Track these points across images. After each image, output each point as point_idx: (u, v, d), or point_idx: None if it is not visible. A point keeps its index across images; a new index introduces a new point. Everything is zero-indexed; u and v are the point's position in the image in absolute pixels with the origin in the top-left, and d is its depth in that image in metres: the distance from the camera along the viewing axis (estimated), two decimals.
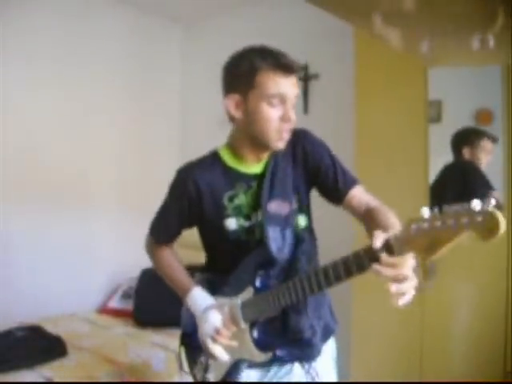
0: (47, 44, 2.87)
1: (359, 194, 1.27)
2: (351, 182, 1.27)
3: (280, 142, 1.20)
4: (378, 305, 2.35)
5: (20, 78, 2.75)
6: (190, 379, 1.38)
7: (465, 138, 2.52)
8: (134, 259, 3.22)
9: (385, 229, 0.98)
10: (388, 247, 0.91)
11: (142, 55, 3.41)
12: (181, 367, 1.38)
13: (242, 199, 1.24)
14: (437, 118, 2.59)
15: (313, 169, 1.26)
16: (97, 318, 2.90)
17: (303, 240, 1.26)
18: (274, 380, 1.28)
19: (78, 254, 3.00)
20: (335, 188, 1.25)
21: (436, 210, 0.85)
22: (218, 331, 1.19)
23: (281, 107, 1.16)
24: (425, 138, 2.49)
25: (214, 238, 1.30)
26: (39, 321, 2.50)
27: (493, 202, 0.79)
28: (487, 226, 0.78)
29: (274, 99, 1.15)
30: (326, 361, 1.30)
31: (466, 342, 2.34)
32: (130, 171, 3.32)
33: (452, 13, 1.96)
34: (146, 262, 3.12)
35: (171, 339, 2.28)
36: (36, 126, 2.83)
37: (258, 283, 1.19)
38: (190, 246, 1.84)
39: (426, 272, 2.44)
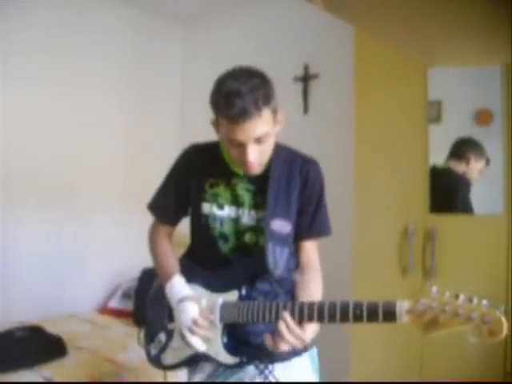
0: (47, 43, 2.87)
1: (309, 250, 1.32)
2: (314, 233, 1.31)
3: (247, 171, 1.23)
4: None
5: (19, 77, 2.75)
6: (184, 379, 1.39)
7: (462, 152, 2.52)
8: (134, 259, 3.22)
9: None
10: (391, 314, 0.97)
11: (142, 54, 3.41)
12: (138, 340, 1.44)
13: (221, 190, 1.30)
14: (437, 118, 2.58)
15: (301, 200, 1.29)
16: (97, 317, 2.89)
17: (293, 260, 1.31)
18: (224, 376, 1.29)
19: (78, 254, 3.00)
20: (298, 229, 1.29)
21: (448, 293, 0.92)
22: (195, 322, 1.21)
23: (238, 149, 1.18)
24: (425, 138, 2.48)
25: (193, 220, 1.36)
26: (39, 321, 2.50)
27: (502, 308, 0.87)
28: (491, 328, 0.86)
29: (231, 141, 1.18)
30: (292, 370, 1.28)
31: (465, 341, 2.34)
32: (131, 171, 3.32)
33: (452, 13, 1.96)
34: (145, 262, 3.14)
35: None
36: (35, 124, 2.82)
37: (244, 291, 1.22)
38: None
39: (426, 272, 2.44)
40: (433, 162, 2.54)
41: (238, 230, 1.28)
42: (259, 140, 1.16)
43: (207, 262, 1.32)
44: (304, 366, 1.30)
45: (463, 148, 2.53)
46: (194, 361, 1.30)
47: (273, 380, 1.25)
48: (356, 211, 2.24)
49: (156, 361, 1.36)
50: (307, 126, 2.83)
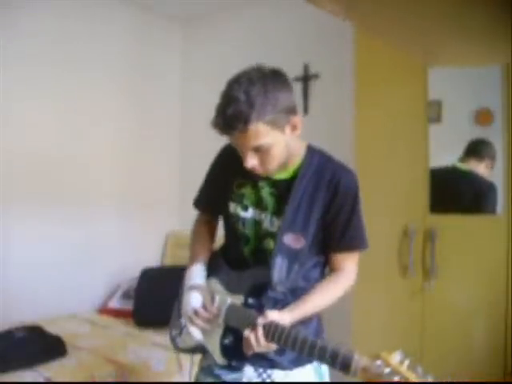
0: (47, 45, 2.86)
1: (341, 261, 1.27)
2: (345, 247, 1.26)
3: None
4: (379, 305, 2.35)
5: (20, 80, 2.74)
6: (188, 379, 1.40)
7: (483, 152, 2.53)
8: (134, 259, 3.23)
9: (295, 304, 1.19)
10: (346, 365, 0.97)
11: (142, 55, 3.40)
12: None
13: (247, 191, 1.28)
14: (437, 118, 2.58)
15: (329, 211, 1.22)
16: (97, 318, 2.89)
17: (318, 271, 1.28)
18: (222, 371, 1.29)
19: (78, 254, 3.00)
20: (328, 242, 1.24)
21: (407, 363, 0.92)
22: (196, 312, 1.23)
23: (241, 152, 1.16)
24: (425, 138, 2.49)
25: (223, 218, 1.37)
26: (39, 321, 2.50)
27: None
28: None
29: (232, 144, 1.18)
30: (293, 378, 1.26)
31: (465, 342, 2.34)
32: (131, 172, 3.31)
33: (452, 13, 1.96)
34: (146, 262, 3.14)
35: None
36: (36, 126, 2.82)
37: (249, 297, 1.21)
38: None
39: (426, 272, 2.44)
40: (433, 162, 2.54)
41: (259, 233, 1.26)
42: (257, 149, 1.12)
43: (232, 260, 1.32)
44: (307, 377, 1.27)
45: (483, 149, 2.53)
46: (202, 349, 1.30)
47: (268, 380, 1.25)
48: None
49: (173, 341, 1.39)
50: (307, 125, 2.82)
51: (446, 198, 2.53)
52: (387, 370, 0.91)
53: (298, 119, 1.17)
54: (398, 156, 2.40)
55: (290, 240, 1.20)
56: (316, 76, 2.87)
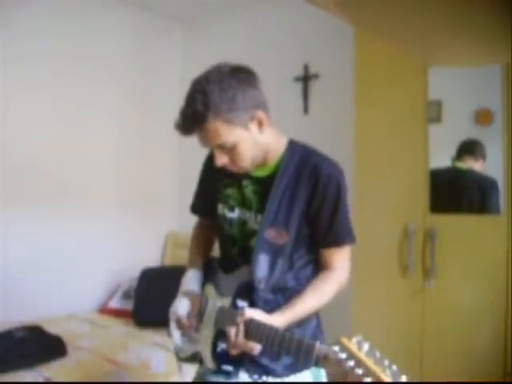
0: (46, 44, 2.86)
1: (328, 257, 1.24)
2: (331, 242, 1.23)
3: None
4: (379, 305, 2.35)
5: (19, 79, 2.74)
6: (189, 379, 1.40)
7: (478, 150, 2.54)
8: (134, 259, 3.23)
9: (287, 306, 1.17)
10: (309, 353, 0.98)
11: (142, 54, 3.40)
12: None
13: (232, 191, 1.28)
14: (437, 118, 2.59)
15: (312, 204, 1.19)
16: (97, 318, 2.89)
17: (309, 270, 1.26)
18: (216, 378, 1.28)
19: (77, 254, 3.00)
20: (315, 237, 1.23)
21: (366, 346, 0.92)
22: (178, 320, 1.26)
23: None
24: (425, 138, 2.49)
25: (216, 219, 1.37)
26: (39, 321, 2.50)
27: (404, 378, 0.87)
28: None
29: None
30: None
31: (465, 342, 2.34)
32: (130, 171, 3.31)
33: (452, 13, 1.97)
34: (146, 262, 3.14)
35: (171, 339, 2.28)
36: (36, 125, 2.82)
37: (238, 301, 1.19)
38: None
39: (426, 272, 2.44)
40: (433, 162, 2.55)
41: (245, 233, 1.25)
42: (222, 147, 1.13)
43: (223, 262, 1.33)
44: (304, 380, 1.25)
45: (478, 149, 2.54)
46: (198, 358, 1.30)
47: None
48: (356, 211, 2.24)
49: (175, 350, 1.39)
50: (307, 125, 2.83)
51: (447, 198, 2.53)
52: (344, 356, 0.90)
53: (262, 115, 1.14)
54: (398, 156, 2.40)
55: (272, 235, 1.18)
56: (316, 76, 2.87)
